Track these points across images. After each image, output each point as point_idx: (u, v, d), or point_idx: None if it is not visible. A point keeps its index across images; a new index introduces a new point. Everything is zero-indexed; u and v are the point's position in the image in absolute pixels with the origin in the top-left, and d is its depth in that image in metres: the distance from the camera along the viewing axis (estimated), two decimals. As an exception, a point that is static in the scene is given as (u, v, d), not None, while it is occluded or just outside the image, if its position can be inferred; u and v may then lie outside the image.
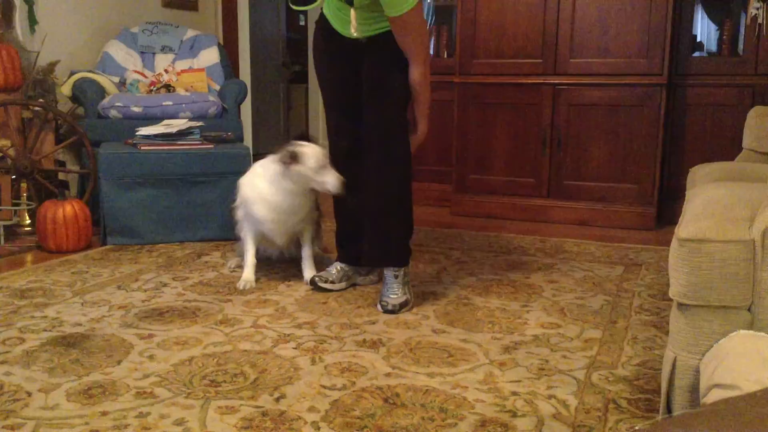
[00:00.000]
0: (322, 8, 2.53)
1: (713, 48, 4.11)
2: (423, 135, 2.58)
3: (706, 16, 4.14)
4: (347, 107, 2.57)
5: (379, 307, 2.44)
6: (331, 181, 2.54)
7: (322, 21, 2.55)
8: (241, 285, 2.70)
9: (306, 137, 2.68)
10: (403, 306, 2.43)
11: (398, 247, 2.55)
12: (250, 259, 2.78)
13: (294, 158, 2.56)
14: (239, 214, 2.81)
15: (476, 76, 4.13)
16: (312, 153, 2.56)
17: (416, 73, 2.43)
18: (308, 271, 2.79)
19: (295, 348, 2.07)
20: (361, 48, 2.46)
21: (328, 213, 2.93)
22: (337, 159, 2.61)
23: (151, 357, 2.00)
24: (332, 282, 2.66)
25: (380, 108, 2.47)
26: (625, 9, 3.79)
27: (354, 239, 2.68)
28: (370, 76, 2.48)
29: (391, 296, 2.44)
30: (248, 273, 2.75)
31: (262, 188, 2.66)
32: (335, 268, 2.70)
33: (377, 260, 2.58)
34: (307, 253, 2.82)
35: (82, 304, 2.47)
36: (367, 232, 2.57)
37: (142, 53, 4.35)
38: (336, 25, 2.48)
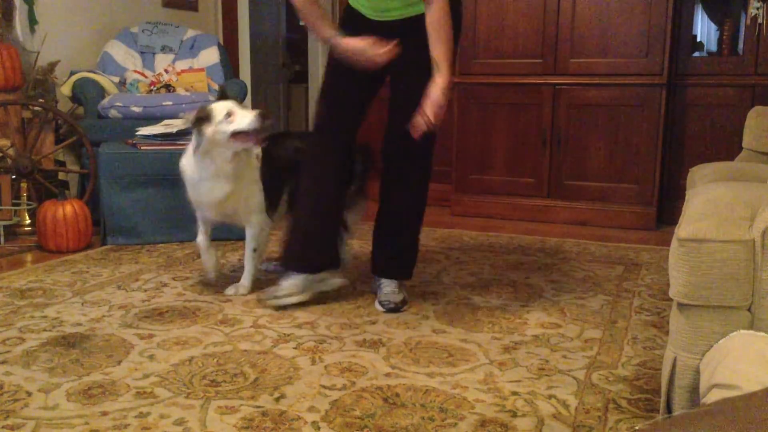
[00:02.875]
0: (348, 3, 2.42)
1: (713, 48, 4.11)
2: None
3: (706, 16, 4.14)
4: (353, 102, 2.44)
5: (379, 306, 2.44)
6: (244, 120, 2.33)
7: (348, 14, 2.43)
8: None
9: (224, 95, 2.51)
10: (404, 303, 2.44)
11: (414, 259, 2.56)
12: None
13: (201, 119, 2.37)
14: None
15: (476, 76, 4.13)
16: (219, 106, 2.39)
17: (442, 81, 2.15)
18: (244, 281, 2.63)
19: (295, 348, 2.07)
20: (393, 38, 2.29)
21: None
22: (319, 150, 2.45)
23: (151, 357, 2.00)
24: (280, 297, 2.44)
25: (410, 111, 2.35)
26: (625, 9, 3.79)
27: (325, 240, 2.50)
28: (402, 78, 2.35)
29: (391, 296, 2.44)
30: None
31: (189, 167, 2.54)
32: (289, 282, 2.46)
33: (395, 273, 2.51)
34: (247, 254, 2.65)
35: (82, 304, 2.47)
36: (388, 243, 2.52)
37: (142, 53, 4.35)
38: (367, 10, 2.35)
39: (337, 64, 2.37)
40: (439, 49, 2.16)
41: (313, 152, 2.49)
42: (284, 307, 2.41)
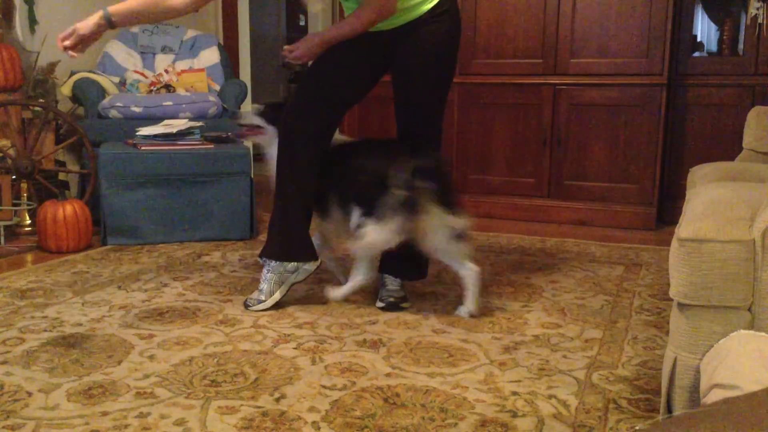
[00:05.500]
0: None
1: (713, 48, 4.11)
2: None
3: (706, 16, 4.14)
4: (341, 97, 2.40)
5: (380, 302, 2.44)
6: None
7: None
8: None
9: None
10: (405, 300, 2.45)
11: (424, 260, 2.54)
12: None
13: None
14: None
15: (476, 76, 4.13)
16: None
17: (316, 34, 2.26)
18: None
19: (295, 348, 2.07)
20: (392, 44, 2.32)
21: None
22: (298, 139, 2.36)
23: (151, 357, 2.00)
24: (263, 301, 2.42)
25: (419, 112, 2.41)
26: (625, 9, 3.79)
27: (295, 226, 2.42)
28: (410, 73, 2.35)
29: (394, 292, 2.45)
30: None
31: None
32: (264, 282, 2.43)
33: (401, 272, 2.51)
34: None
35: (83, 304, 2.47)
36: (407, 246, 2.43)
37: (142, 53, 4.35)
38: None
39: (338, 55, 2.33)
40: (341, 22, 2.29)
41: (288, 139, 2.38)
42: (261, 311, 2.40)
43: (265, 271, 2.45)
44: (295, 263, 2.43)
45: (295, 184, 2.39)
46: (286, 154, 2.39)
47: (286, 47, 2.30)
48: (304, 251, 2.44)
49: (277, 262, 2.42)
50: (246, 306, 2.44)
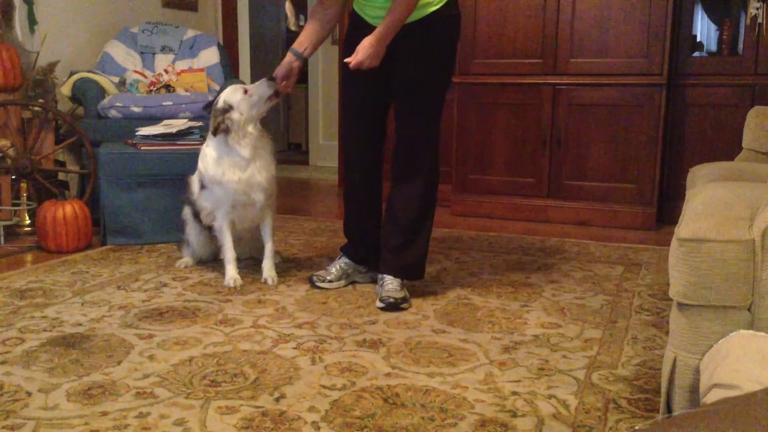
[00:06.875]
0: (353, 8, 2.50)
1: (713, 48, 4.11)
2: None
3: (706, 16, 4.14)
4: (368, 123, 2.55)
5: (379, 303, 2.44)
6: (261, 88, 2.58)
7: (353, 19, 2.51)
8: (230, 282, 2.69)
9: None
10: (404, 301, 2.44)
11: (422, 261, 2.59)
12: (230, 253, 2.75)
13: (224, 111, 2.56)
14: (206, 203, 2.75)
15: (476, 76, 4.13)
16: (229, 91, 2.61)
17: (368, 39, 2.28)
18: (268, 270, 2.77)
19: (295, 348, 2.07)
20: (394, 44, 2.33)
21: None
22: (352, 187, 2.67)
23: (151, 357, 2.00)
24: (330, 281, 2.66)
25: (412, 114, 2.46)
26: (625, 9, 3.79)
27: (363, 236, 2.68)
28: (403, 77, 2.43)
29: (393, 292, 2.45)
30: (233, 270, 2.74)
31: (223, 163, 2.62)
32: (336, 266, 2.69)
33: (398, 271, 2.53)
34: (269, 250, 2.80)
35: (82, 304, 2.47)
36: (392, 240, 2.55)
37: (142, 53, 4.35)
38: (365, 16, 2.43)
39: (348, 94, 2.57)
40: (386, 17, 2.28)
41: (348, 181, 2.70)
42: (325, 288, 2.64)
43: (343, 258, 2.71)
44: (366, 266, 2.71)
45: (366, 197, 2.66)
46: (352, 177, 2.67)
47: (346, 59, 2.33)
48: (373, 258, 2.67)
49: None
50: (311, 281, 2.67)
